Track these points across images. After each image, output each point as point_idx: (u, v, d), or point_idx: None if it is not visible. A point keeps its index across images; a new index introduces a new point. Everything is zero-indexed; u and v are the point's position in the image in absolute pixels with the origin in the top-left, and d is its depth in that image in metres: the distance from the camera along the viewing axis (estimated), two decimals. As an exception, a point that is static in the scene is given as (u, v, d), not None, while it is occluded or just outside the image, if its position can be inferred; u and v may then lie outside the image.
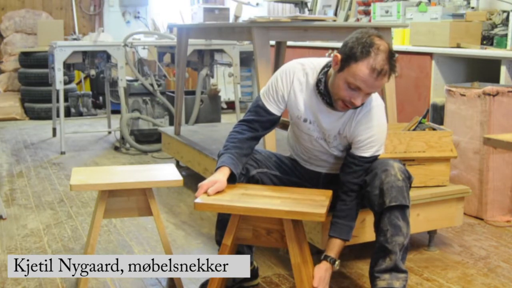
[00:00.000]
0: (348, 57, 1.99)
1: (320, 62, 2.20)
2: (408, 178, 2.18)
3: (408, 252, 2.30)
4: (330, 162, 2.35)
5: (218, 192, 2.04)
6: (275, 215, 1.94)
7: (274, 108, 2.22)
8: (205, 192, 2.02)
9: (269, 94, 2.22)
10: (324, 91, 2.14)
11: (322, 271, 2.13)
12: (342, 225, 2.20)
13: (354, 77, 1.98)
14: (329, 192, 2.13)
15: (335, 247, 2.20)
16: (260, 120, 2.22)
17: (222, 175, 2.07)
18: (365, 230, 2.54)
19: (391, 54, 1.99)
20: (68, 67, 5.18)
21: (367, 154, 2.18)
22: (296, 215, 1.93)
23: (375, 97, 2.19)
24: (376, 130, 2.16)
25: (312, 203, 1.99)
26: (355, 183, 2.20)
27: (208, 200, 1.98)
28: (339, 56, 2.03)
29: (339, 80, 2.03)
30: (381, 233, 2.16)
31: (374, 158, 2.21)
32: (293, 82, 2.19)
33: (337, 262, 2.18)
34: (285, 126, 2.66)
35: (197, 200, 1.97)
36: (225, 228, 2.30)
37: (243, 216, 2.03)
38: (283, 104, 2.22)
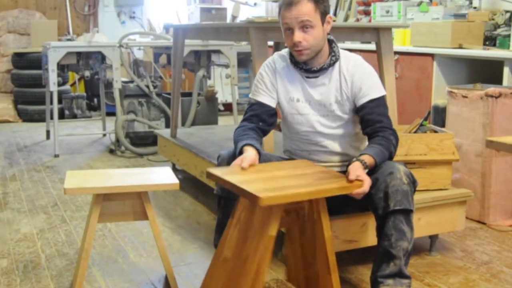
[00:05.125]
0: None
1: None
2: (413, 182, 2.16)
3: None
4: (329, 149, 2.34)
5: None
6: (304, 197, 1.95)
7: (267, 99, 2.33)
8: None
9: (258, 89, 2.35)
10: (295, 60, 2.28)
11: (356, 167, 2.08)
12: (374, 147, 2.18)
13: (281, 21, 2.21)
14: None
15: (365, 157, 2.13)
16: (257, 114, 2.32)
17: (248, 152, 2.11)
18: (366, 235, 2.52)
19: None
20: (62, 68, 5.17)
21: (375, 95, 2.26)
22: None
23: (348, 54, 2.33)
24: (369, 72, 2.30)
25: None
26: (380, 127, 2.24)
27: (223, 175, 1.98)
28: None
29: (283, 33, 2.25)
30: (385, 238, 2.14)
31: (382, 98, 2.28)
32: (275, 68, 2.34)
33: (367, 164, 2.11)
34: (283, 127, 2.62)
35: (211, 170, 2.01)
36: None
37: None
38: (274, 93, 2.34)
